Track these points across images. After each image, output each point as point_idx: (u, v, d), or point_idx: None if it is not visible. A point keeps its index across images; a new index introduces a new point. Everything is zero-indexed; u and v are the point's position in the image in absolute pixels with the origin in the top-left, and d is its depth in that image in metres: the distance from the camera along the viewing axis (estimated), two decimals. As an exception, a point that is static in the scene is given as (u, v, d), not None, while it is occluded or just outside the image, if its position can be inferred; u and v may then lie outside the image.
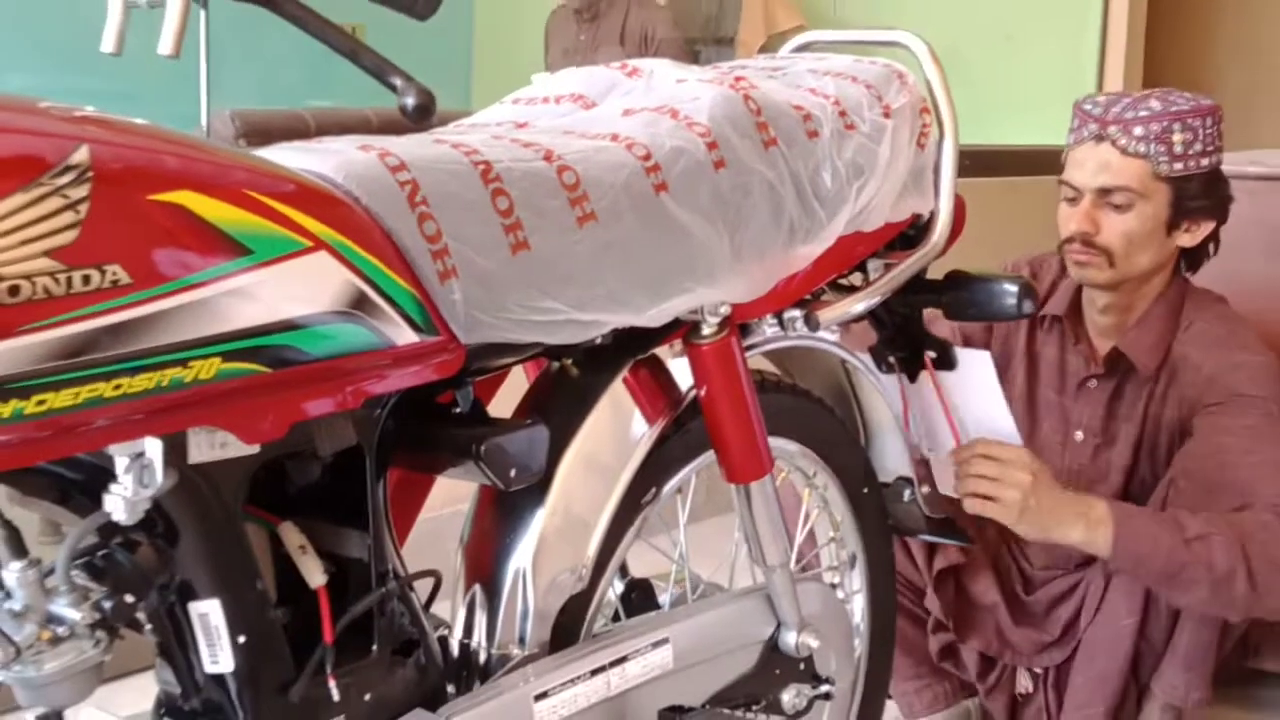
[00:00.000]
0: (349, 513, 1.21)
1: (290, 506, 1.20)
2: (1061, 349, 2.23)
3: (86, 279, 0.90)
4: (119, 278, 0.91)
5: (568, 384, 1.43)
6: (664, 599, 1.60)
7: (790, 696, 1.54)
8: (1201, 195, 2.07)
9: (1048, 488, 1.86)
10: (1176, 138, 2.02)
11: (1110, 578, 2.16)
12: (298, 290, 1.04)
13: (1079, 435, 2.20)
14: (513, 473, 1.26)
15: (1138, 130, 2.02)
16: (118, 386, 0.92)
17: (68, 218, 0.89)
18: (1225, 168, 2.11)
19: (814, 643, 1.55)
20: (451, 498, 1.43)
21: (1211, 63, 5.92)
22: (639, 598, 1.58)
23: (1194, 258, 2.16)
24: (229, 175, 1.01)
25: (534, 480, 1.30)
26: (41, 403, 0.89)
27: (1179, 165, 2.03)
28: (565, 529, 1.37)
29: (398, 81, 0.92)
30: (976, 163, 3.43)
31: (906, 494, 1.81)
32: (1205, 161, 2.05)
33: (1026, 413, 2.24)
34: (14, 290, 0.87)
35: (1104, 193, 2.06)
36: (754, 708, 1.51)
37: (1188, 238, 2.11)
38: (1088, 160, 2.06)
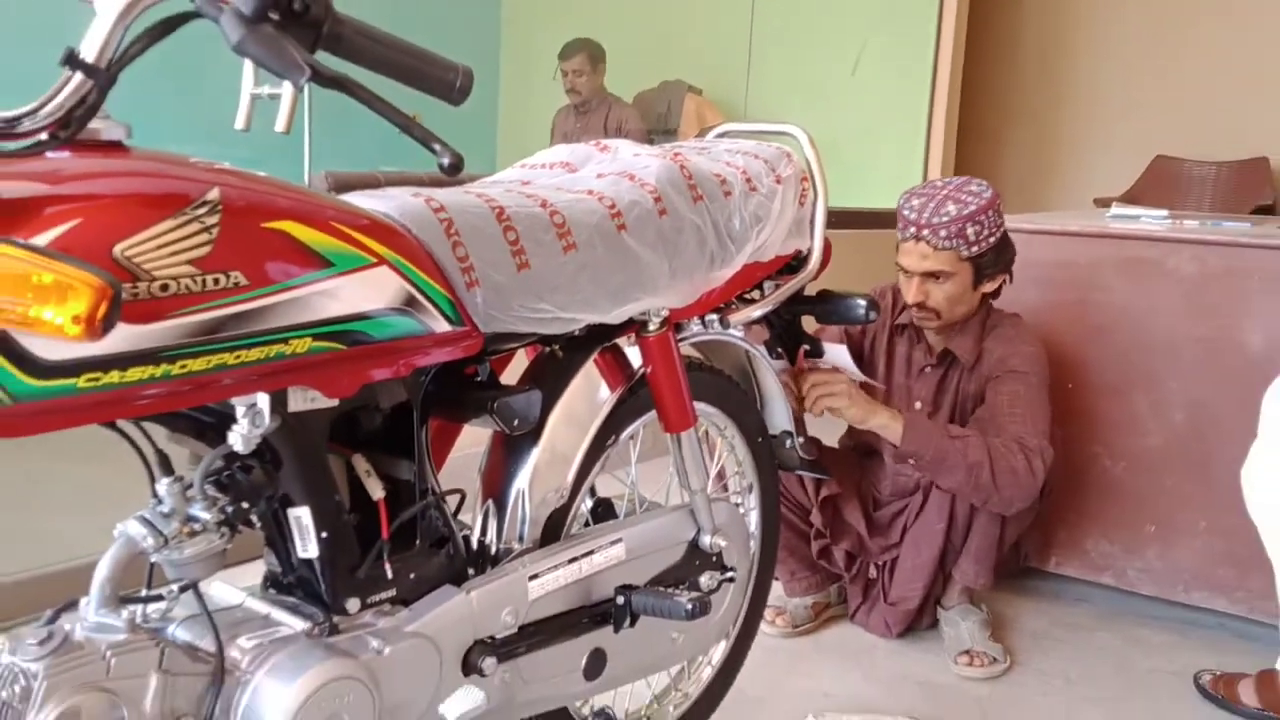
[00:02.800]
0: (401, 448, 1.20)
1: (360, 443, 1.18)
2: (910, 347, 2.24)
3: (216, 280, 0.88)
4: (239, 280, 0.90)
5: (555, 362, 1.41)
6: (620, 512, 1.59)
7: (706, 579, 1.53)
8: (994, 262, 2.08)
9: (863, 400, 1.95)
10: (970, 231, 2.02)
11: (928, 499, 2.17)
12: (366, 293, 1.02)
13: (918, 405, 2.21)
14: (516, 423, 1.25)
15: (942, 232, 2.02)
16: (238, 356, 0.91)
17: (203, 237, 0.88)
18: (1008, 222, 2.12)
19: (723, 543, 1.55)
20: (474, 441, 1.41)
21: (1003, 154, 5.98)
22: (602, 511, 1.56)
23: (996, 292, 2.17)
24: (320, 211, 1.00)
25: (530, 428, 1.29)
26: (184, 366, 0.87)
27: (975, 248, 2.04)
28: (552, 462, 1.36)
29: (437, 147, 0.90)
30: (840, 219, 3.43)
31: (788, 443, 1.80)
32: (992, 239, 2.05)
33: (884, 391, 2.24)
34: (164, 287, 0.85)
35: (926, 274, 2.07)
36: (680, 586, 1.49)
37: (989, 286, 2.12)
38: (912, 253, 2.07)
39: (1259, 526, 1.87)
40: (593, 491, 1.56)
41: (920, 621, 2.27)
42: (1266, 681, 1.98)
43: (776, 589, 2.28)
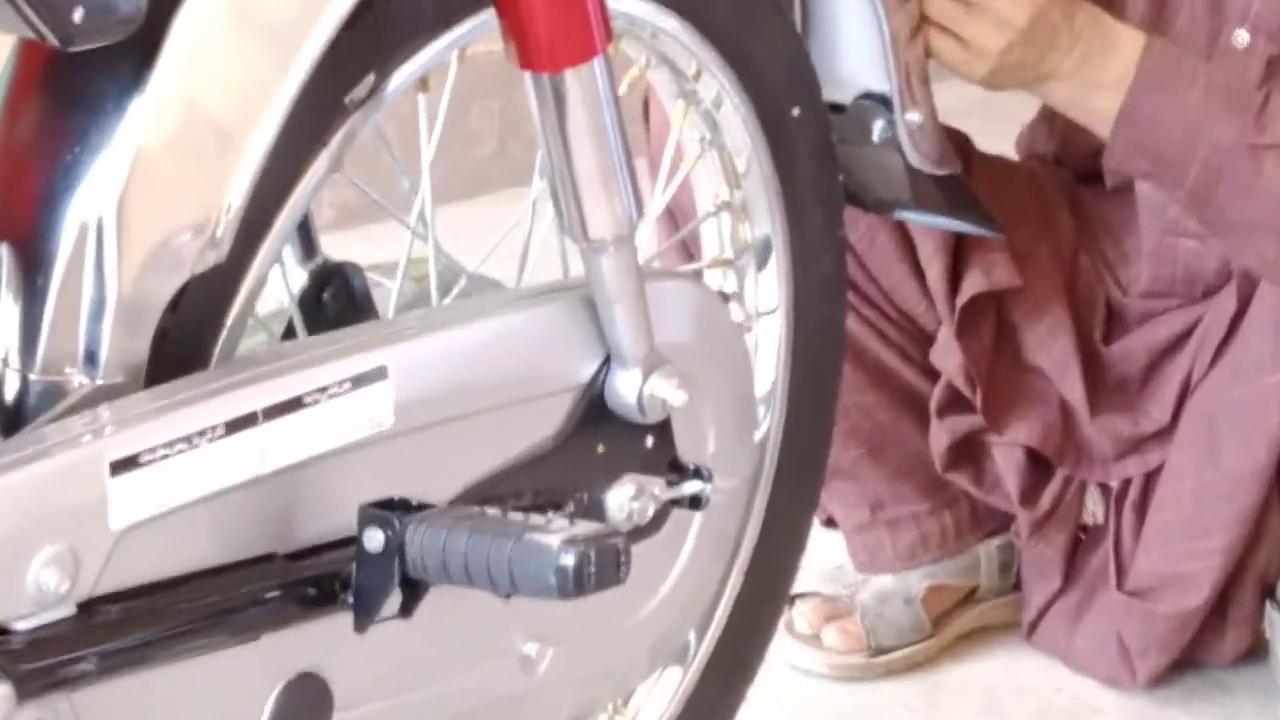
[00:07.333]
0: None
1: None
2: None
3: None
4: None
5: None
6: (387, 303, 1.60)
7: (624, 497, 1.55)
8: None
9: (1060, 13, 1.99)
10: None
11: (1247, 304, 2.20)
12: None
13: (1241, 37, 2.25)
14: (78, 14, 1.23)
15: None
16: None
17: None
18: None
19: (675, 397, 1.56)
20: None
21: None
22: (335, 297, 1.58)
23: None
24: None
25: (125, 33, 1.27)
26: None
27: None
28: (185, 141, 1.35)
29: None
30: None
31: (878, 127, 1.82)
32: None
33: None
34: None
35: None
36: (554, 512, 1.49)
37: None
38: None
39: None
40: (310, 245, 1.60)
41: (1213, 646, 2.37)
42: None
43: (829, 547, 2.31)
